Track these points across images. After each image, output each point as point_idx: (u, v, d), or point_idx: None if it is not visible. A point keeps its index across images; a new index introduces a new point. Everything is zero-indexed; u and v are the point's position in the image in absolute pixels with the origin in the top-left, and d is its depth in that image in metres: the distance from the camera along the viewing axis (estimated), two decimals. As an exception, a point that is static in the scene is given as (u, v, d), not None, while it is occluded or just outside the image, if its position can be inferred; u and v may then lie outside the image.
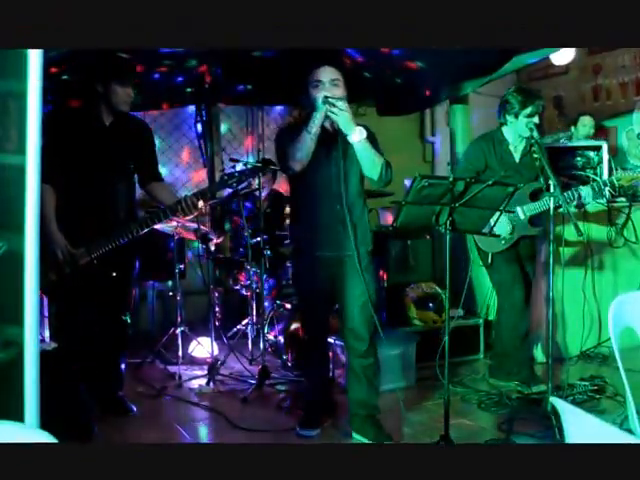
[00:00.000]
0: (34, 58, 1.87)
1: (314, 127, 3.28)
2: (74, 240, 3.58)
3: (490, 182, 2.80)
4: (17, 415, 1.77)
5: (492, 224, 3.18)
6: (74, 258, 3.55)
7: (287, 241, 5.14)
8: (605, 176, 5.05)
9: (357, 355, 3.55)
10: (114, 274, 3.71)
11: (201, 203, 3.59)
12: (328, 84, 3.37)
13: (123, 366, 4.09)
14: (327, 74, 3.40)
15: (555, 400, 1.39)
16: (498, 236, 3.77)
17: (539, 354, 5.03)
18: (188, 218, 3.80)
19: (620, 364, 2.33)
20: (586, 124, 6.59)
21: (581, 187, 4.22)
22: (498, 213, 3.11)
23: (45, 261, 3.43)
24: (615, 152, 6.61)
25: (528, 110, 4.18)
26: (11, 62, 1.90)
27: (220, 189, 3.88)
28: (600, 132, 6.87)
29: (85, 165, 3.67)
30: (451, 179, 2.74)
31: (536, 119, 4.20)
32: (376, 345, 3.60)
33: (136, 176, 3.95)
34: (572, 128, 6.76)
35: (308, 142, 3.29)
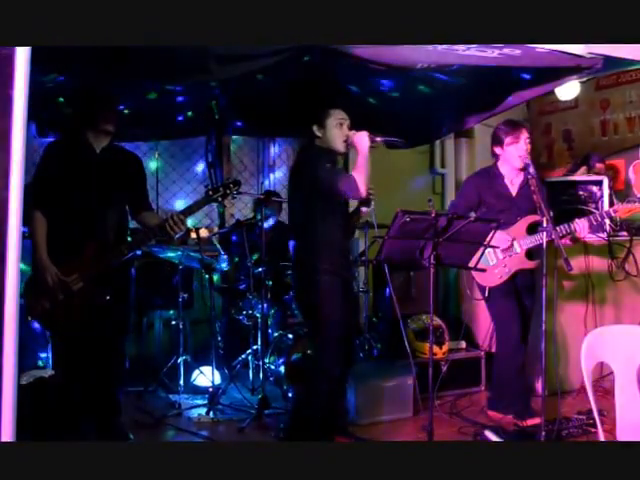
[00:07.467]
0: (19, 98, 1.97)
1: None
2: (67, 268, 3.60)
3: (472, 218, 2.85)
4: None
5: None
6: (66, 285, 3.57)
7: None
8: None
9: None
10: (109, 299, 3.69)
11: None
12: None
13: (121, 392, 4.12)
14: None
15: (487, 433, 1.45)
16: (484, 270, 3.80)
17: (540, 387, 5.01)
18: (177, 236, 3.83)
19: (592, 397, 2.39)
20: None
21: (577, 220, 4.23)
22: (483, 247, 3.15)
23: (37, 289, 3.56)
24: (623, 186, 6.60)
25: (511, 137, 4.28)
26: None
27: (206, 204, 3.94)
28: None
29: (76, 192, 3.71)
30: (433, 214, 2.81)
31: (522, 145, 4.27)
32: None
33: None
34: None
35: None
